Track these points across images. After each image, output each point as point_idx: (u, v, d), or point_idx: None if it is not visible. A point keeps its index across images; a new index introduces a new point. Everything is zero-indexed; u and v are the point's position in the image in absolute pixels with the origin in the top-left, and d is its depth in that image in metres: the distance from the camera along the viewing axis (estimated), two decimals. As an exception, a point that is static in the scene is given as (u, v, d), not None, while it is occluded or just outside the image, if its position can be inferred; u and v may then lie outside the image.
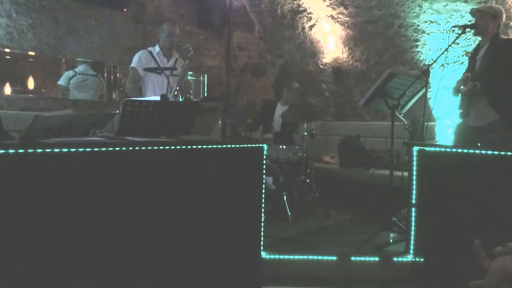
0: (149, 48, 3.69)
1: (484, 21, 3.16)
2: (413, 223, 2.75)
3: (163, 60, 3.67)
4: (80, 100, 4.65)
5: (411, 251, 2.76)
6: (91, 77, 4.69)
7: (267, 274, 2.63)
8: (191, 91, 3.81)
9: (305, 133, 4.25)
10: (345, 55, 5.58)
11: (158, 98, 2.41)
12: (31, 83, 4.39)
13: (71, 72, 4.55)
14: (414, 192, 2.74)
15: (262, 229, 2.62)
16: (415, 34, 4.73)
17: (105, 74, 4.89)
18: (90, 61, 4.67)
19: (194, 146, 2.23)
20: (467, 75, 3.24)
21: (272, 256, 2.74)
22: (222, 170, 2.35)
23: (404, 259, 2.78)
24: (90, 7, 4.66)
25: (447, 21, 4.40)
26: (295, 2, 5.57)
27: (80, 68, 4.61)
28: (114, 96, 4.94)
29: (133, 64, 3.63)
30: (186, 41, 5.51)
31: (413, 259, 2.74)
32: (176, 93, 3.24)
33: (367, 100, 3.30)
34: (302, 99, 6.05)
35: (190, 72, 5.60)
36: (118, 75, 4.86)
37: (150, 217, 2.01)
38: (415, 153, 2.73)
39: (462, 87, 3.27)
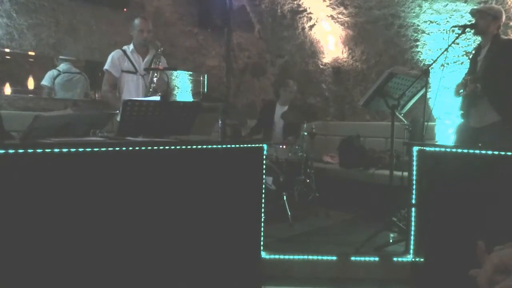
0: (124, 47, 3.56)
1: (484, 22, 3.16)
2: (413, 223, 2.75)
3: (138, 58, 3.51)
4: (80, 100, 4.65)
5: (411, 251, 2.76)
6: (75, 75, 4.60)
7: (267, 274, 2.63)
8: (168, 89, 3.70)
9: (305, 133, 4.25)
10: (345, 55, 5.59)
11: (157, 98, 2.41)
12: (31, 83, 4.38)
13: (54, 71, 4.45)
14: (414, 192, 2.74)
15: (262, 229, 2.62)
16: (415, 34, 4.73)
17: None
18: (73, 58, 4.58)
19: (194, 146, 2.23)
20: (467, 79, 3.24)
21: (272, 256, 2.73)
22: (222, 170, 2.35)
23: (404, 259, 2.78)
24: (90, 7, 4.65)
25: (447, 21, 4.40)
26: (295, 2, 5.57)
27: (63, 66, 4.51)
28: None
29: (106, 66, 3.52)
30: (186, 41, 5.54)
31: (413, 259, 2.74)
32: (150, 91, 3.17)
33: (367, 100, 3.29)
34: (302, 99, 6.06)
35: (190, 72, 5.60)
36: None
37: (150, 217, 2.01)
38: (415, 153, 2.73)
39: (461, 90, 3.27)
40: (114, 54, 3.51)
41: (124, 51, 3.52)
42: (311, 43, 5.83)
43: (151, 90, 3.16)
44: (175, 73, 5.00)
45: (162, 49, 3.36)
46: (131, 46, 3.54)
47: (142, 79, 3.40)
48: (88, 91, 4.77)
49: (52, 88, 4.45)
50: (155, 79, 3.23)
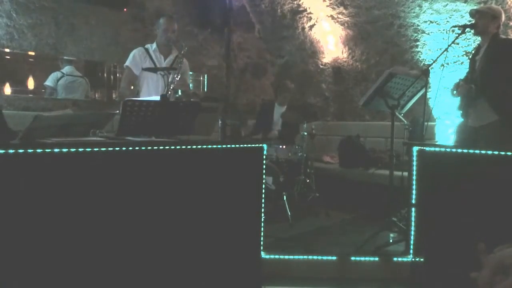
0: (146, 45, 3.52)
1: (483, 21, 3.17)
2: (413, 223, 2.75)
3: (160, 57, 3.47)
4: (80, 100, 4.66)
5: (411, 251, 2.76)
6: (78, 78, 4.65)
7: (267, 274, 2.63)
8: (189, 91, 3.65)
9: (305, 133, 4.25)
10: (345, 55, 5.59)
11: (158, 98, 2.41)
12: (31, 83, 4.39)
13: (58, 73, 4.49)
14: (414, 192, 2.74)
15: (262, 229, 2.62)
16: (415, 34, 4.73)
17: (105, 74, 4.89)
18: (74, 59, 4.60)
19: (194, 146, 2.23)
20: (459, 80, 3.27)
21: (272, 256, 2.73)
22: (222, 170, 2.35)
23: (404, 259, 2.78)
24: (90, 7, 4.66)
25: (447, 21, 4.41)
26: (295, 2, 5.57)
27: (67, 69, 4.55)
28: (114, 96, 4.94)
29: (127, 63, 3.47)
30: (186, 41, 5.53)
31: (413, 259, 2.74)
32: (170, 92, 3.13)
33: (367, 100, 3.30)
34: (302, 99, 6.06)
35: (190, 72, 5.60)
36: (118, 75, 4.86)
37: (150, 217, 2.01)
38: (415, 153, 2.73)
39: (454, 91, 3.30)
40: (136, 52, 3.46)
41: (147, 49, 3.47)
42: (311, 43, 5.83)
43: (171, 89, 3.11)
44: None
45: (186, 48, 3.26)
46: (154, 45, 3.49)
47: (162, 78, 3.30)
48: (89, 94, 4.80)
49: (55, 89, 4.49)
50: (176, 79, 3.17)
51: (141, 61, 3.43)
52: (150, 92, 3.39)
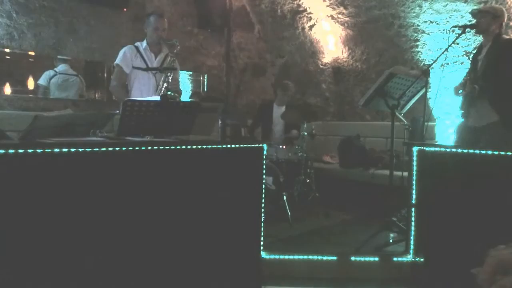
0: (136, 43, 3.47)
1: (485, 20, 3.16)
2: (413, 223, 2.75)
3: (150, 56, 3.41)
4: (78, 99, 4.65)
5: (411, 251, 2.76)
6: (72, 77, 4.60)
7: (267, 274, 2.63)
8: (179, 89, 3.62)
9: (305, 133, 4.25)
10: (345, 55, 5.58)
11: (156, 98, 2.41)
12: (31, 83, 4.38)
13: (51, 72, 4.45)
14: (414, 192, 2.74)
15: (262, 229, 2.62)
16: (415, 34, 4.73)
17: (105, 74, 4.89)
18: (69, 58, 4.57)
19: (194, 146, 2.23)
20: (466, 79, 3.26)
21: (272, 256, 2.73)
22: (222, 170, 2.35)
23: (404, 259, 2.78)
24: (90, 7, 4.65)
25: (447, 21, 4.40)
26: (295, 2, 5.57)
27: (60, 67, 4.51)
28: (114, 96, 4.94)
29: (117, 61, 3.42)
30: (186, 41, 5.53)
31: (413, 259, 2.74)
32: (162, 91, 3.09)
33: (367, 100, 3.29)
34: (302, 99, 6.06)
35: (190, 72, 5.60)
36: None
37: (150, 217, 2.01)
38: (415, 153, 2.73)
39: (461, 91, 3.29)
40: (126, 50, 3.42)
41: (137, 48, 3.43)
42: (311, 43, 5.83)
43: (163, 89, 3.08)
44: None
45: (179, 47, 3.24)
46: (144, 43, 3.44)
47: (154, 77, 3.30)
48: (83, 93, 4.77)
49: (47, 87, 4.46)
50: (169, 78, 3.14)
51: (132, 59, 3.38)
52: (142, 90, 3.35)
